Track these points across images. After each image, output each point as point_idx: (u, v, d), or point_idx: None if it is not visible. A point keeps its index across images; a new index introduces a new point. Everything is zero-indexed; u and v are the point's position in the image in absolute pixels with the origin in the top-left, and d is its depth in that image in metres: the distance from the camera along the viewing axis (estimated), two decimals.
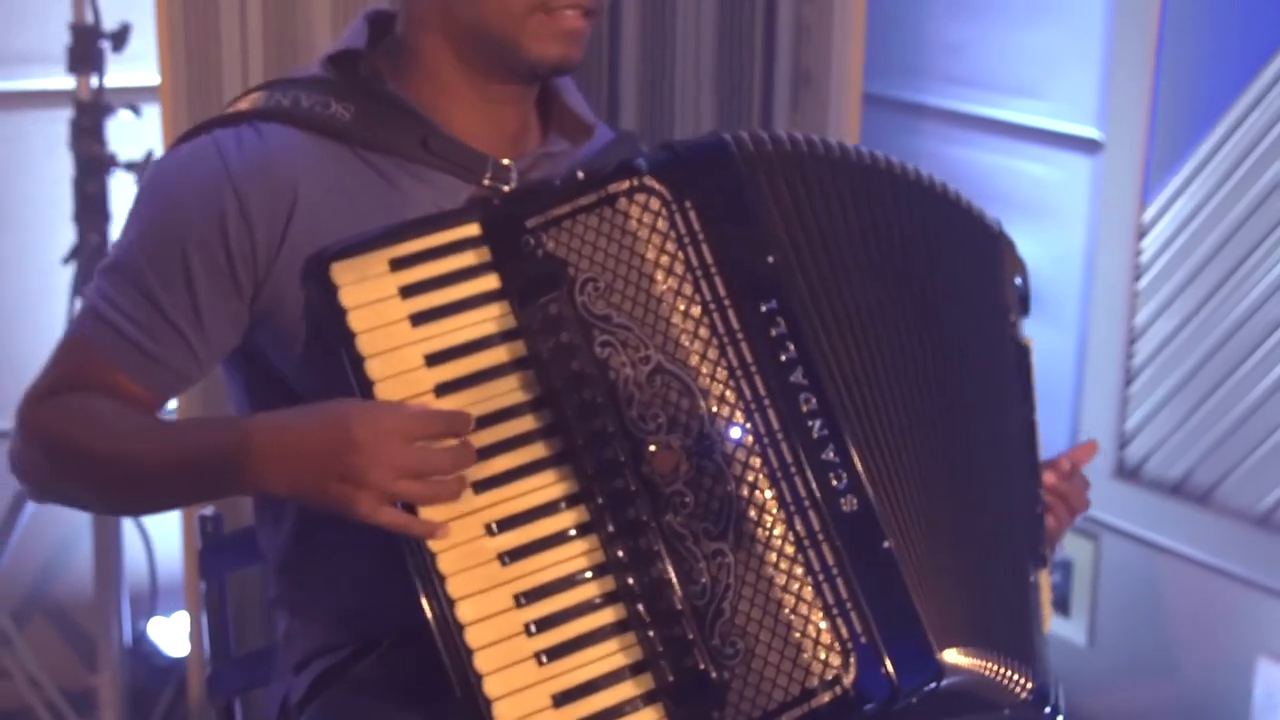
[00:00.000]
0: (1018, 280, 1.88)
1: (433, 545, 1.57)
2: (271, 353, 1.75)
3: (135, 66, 2.96)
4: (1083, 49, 2.96)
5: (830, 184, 1.73)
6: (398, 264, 1.61)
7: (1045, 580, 1.87)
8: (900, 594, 1.63)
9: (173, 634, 3.20)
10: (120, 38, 2.80)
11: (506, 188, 1.77)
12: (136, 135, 2.94)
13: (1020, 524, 1.80)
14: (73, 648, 3.31)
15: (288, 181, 1.69)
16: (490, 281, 1.63)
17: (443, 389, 1.60)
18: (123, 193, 2.94)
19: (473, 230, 1.64)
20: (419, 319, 1.61)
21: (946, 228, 1.83)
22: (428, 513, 1.57)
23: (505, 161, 1.78)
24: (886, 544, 1.63)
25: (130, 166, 2.87)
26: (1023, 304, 1.88)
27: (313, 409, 1.60)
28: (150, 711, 3.11)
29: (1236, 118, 2.72)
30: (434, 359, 1.60)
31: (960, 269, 1.82)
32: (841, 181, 1.74)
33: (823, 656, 1.59)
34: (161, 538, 3.19)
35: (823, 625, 1.60)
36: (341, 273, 1.59)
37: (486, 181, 1.77)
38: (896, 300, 1.74)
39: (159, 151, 2.78)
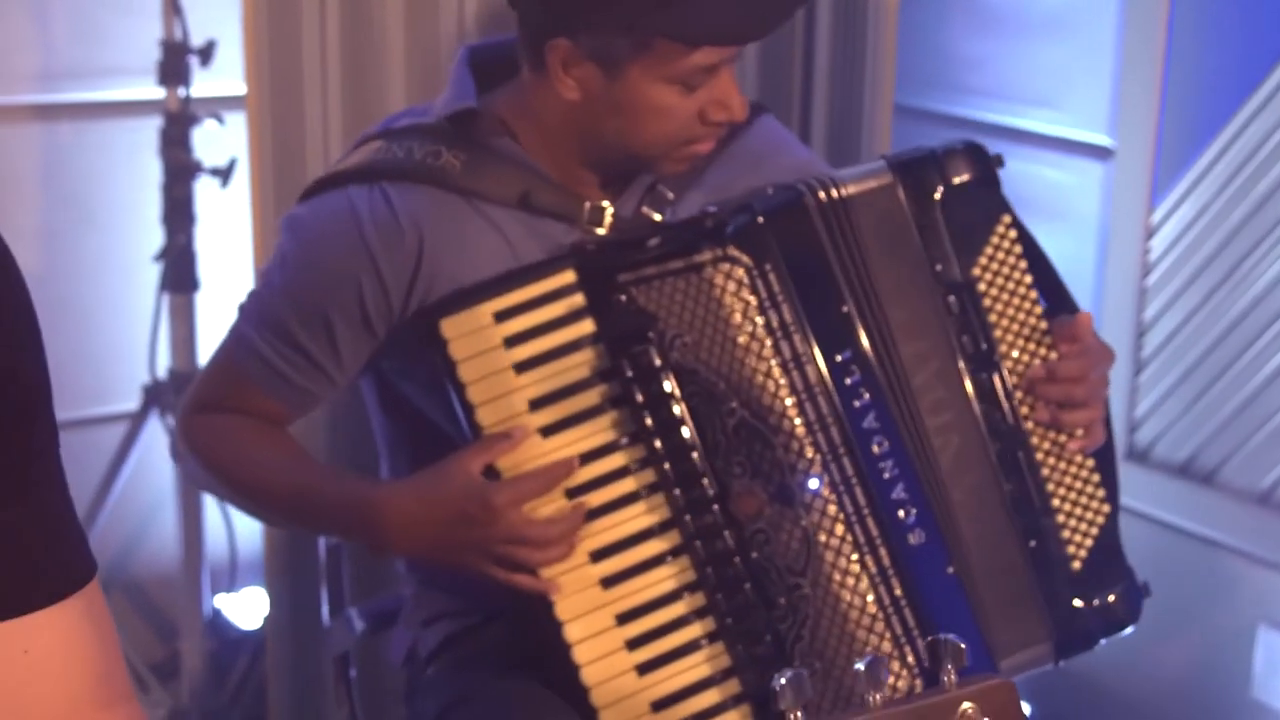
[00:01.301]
0: (965, 178, 1.90)
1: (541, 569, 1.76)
2: (398, 379, 1.93)
3: (217, 78, 3.12)
4: (1094, 62, 3.09)
5: (854, 215, 1.86)
6: (500, 316, 1.77)
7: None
8: (964, 615, 1.82)
9: (244, 608, 3.37)
10: (207, 53, 2.98)
11: (601, 229, 1.90)
12: (220, 142, 3.11)
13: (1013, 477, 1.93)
14: (148, 621, 3.47)
15: (414, 237, 1.85)
16: (585, 326, 1.78)
17: (546, 431, 1.77)
18: (207, 196, 3.11)
19: (568, 278, 1.79)
20: (521, 367, 1.77)
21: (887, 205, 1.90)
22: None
23: (604, 204, 1.91)
24: (950, 569, 1.82)
25: (215, 172, 3.04)
26: (967, 194, 1.89)
27: (438, 483, 1.77)
28: (226, 680, 3.27)
29: (1239, 125, 2.86)
30: (536, 404, 1.77)
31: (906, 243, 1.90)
32: (858, 210, 1.87)
33: (891, 681, 1.78)
34: (241, 515, 3.34)
35: (891, 654, 1.80)
36: (450, 328, 1.76)
37: (585, 213, 1.91)
38: (913, 305, 1.90)
39: (243, 158, 2.95)
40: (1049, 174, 3.20)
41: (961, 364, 1.88)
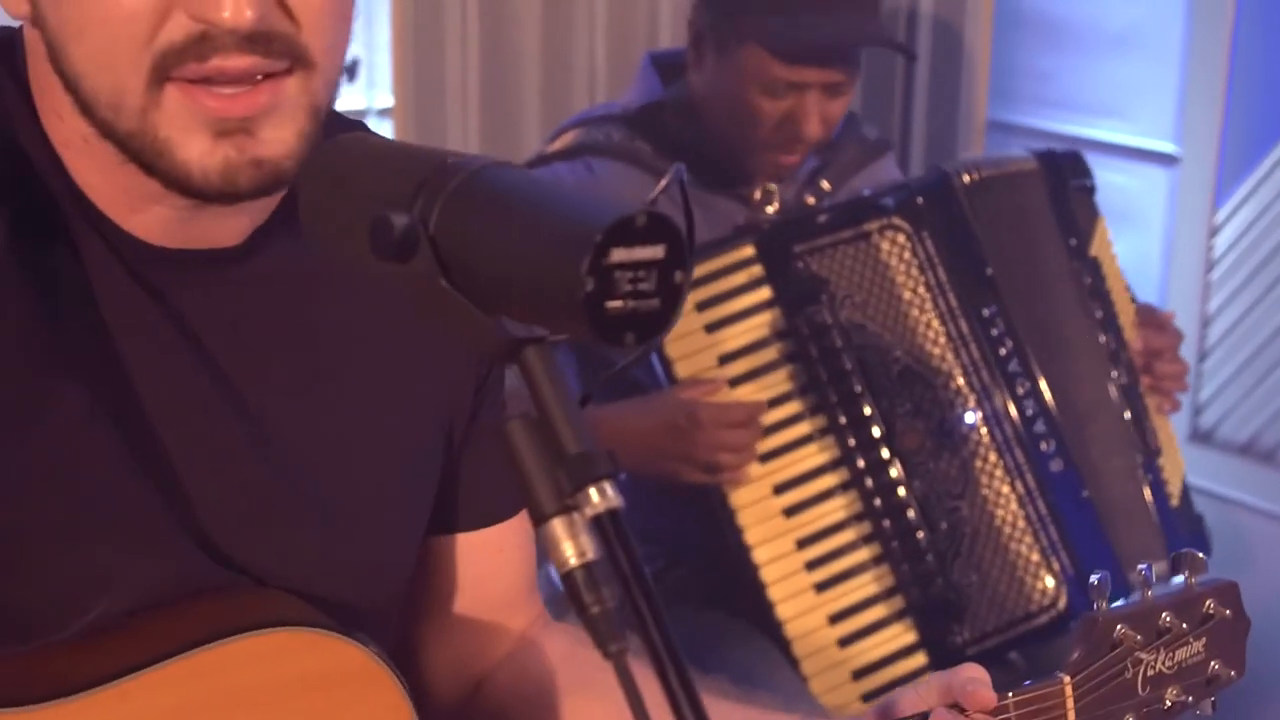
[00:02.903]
0: (1076, 183, 2.23)
1: (732, 502, 2.03)
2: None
3: (359, 90, 3.36)
4: (1161, 74, 3.35)
5: (997, 199, 2.17)
6: (692, 284, 2.05)
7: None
8: (1099, 533, 2.10)
9: None
10: (352, 70, 3.24)
11: (771, 209, 2.20)
12: None
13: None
14: None
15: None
16: (764, 293, 2.08)
17: (734, 381, 2.05)
18: None
19: (748, 252, 2.08)
20: (711, 328, 2.06)
21: (1028, 190, 2.22)
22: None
23: (772, 187, 2.20)
24: (1085, 494, 2.10)
25: None
26: (1087, 196, 2.23)
27: (649, 402, 2.04)
28: None
29: None
30: (725, 359, 2.06)
31: (1039, 224, 2.23)
32: (1000, 195, 2.18)
33: (1041, 587, 2.06)
34: None
35: (1040, 563, 2.07)
36: None
37: (757, 196, 2.21)
38: (1036, 272, 2.19)
39: None
40: (1117, 180, 3.39)
41: (1088, 324, 2.17)
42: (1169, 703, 1.42)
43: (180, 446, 1.13)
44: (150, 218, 1.11)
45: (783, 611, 2.03)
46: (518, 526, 1.38)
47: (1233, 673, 1.47)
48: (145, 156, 1.04)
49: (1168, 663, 1.43)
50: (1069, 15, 3.51)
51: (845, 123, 2.28)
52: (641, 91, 2.21)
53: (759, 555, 2.03)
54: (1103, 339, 2.21)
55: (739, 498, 2.02)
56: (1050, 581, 2.08)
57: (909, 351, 2.07)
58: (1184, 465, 2.35)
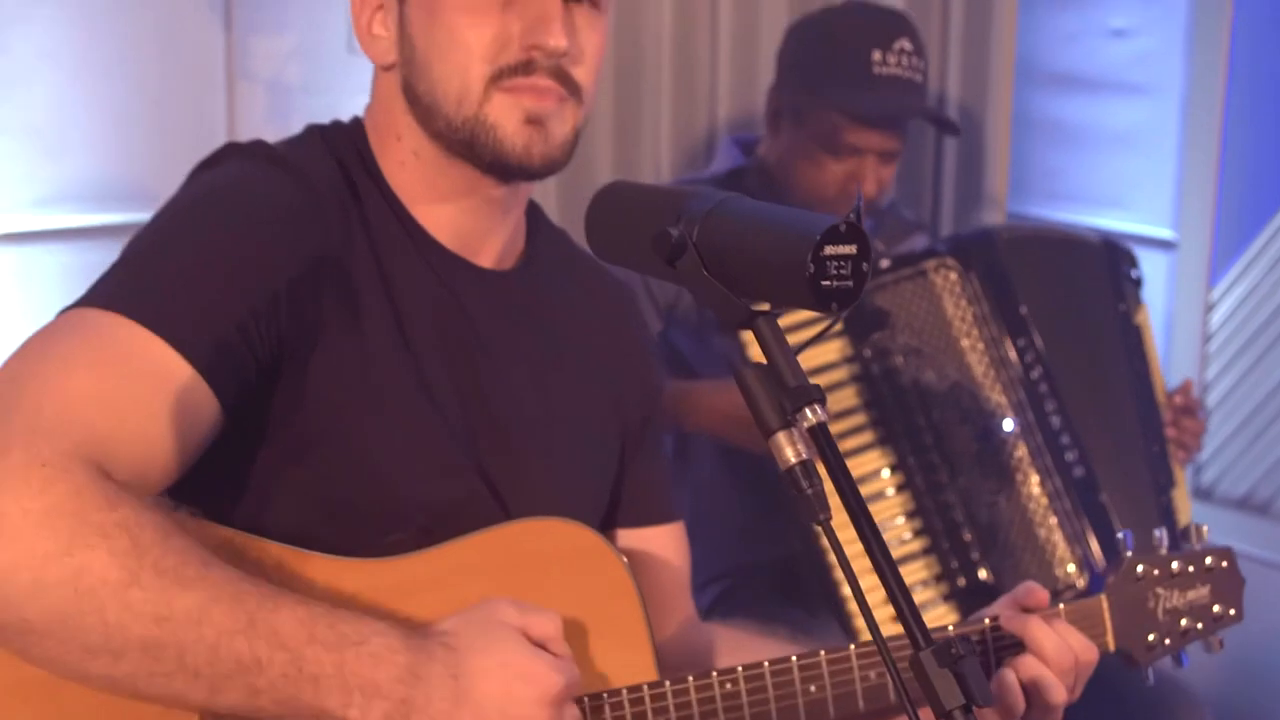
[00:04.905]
0: (1132, 272, 2.66)
1: None
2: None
3: None
4: (1159, 168, 3.71)
5: (1037, 254, 2.56)
6: (777, 314, 2.43)
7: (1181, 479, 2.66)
8: (1111, 531, 2.45)
9: None
10: None
11: None
12: None
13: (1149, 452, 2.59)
14: None
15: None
16: (836, 324, 2.44)
17: None
18: None
19: None
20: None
21: (1092, 259, 2.63)
22: None
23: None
24: (1102, 497, 2.45)
25: None
26: (1137, 284, 2.65)
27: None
28: None
29: None
30: None
31: (1100, 287, 2.63)
32: (1041, 252, 2.57)
33: (1067, 570, 2.41)
34: None
35: (1066, 551, 2.42)
36: None
37: None
38: (1081, 317, 2.57)
39: None
40: None
41: (1124, 370, 2.54)
42: (1183, 627, 1.79)
43: (456, 396, 1.52)
44: (446, 222, 1.56)
45: (845, 590, 2.38)
46: (671, 533, 1.76)
47: (1232, 611, 1.84)
48: (475, 137, 1.50)
49: (1180, 600, 1.81)
50: (1075, 117, 3.88)
51: (889, 201, 2.70)
52: (725, 161, 2.62)
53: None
54: (1134, 383, 2.58)
55: None
56: (1073, 567, 2.43)
57: (958, 369, 2.44)
58: (1190, 510, 2.71)
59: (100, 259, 3.45)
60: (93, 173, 3.50)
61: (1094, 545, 2.45)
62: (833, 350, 2.43)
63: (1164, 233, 3.75)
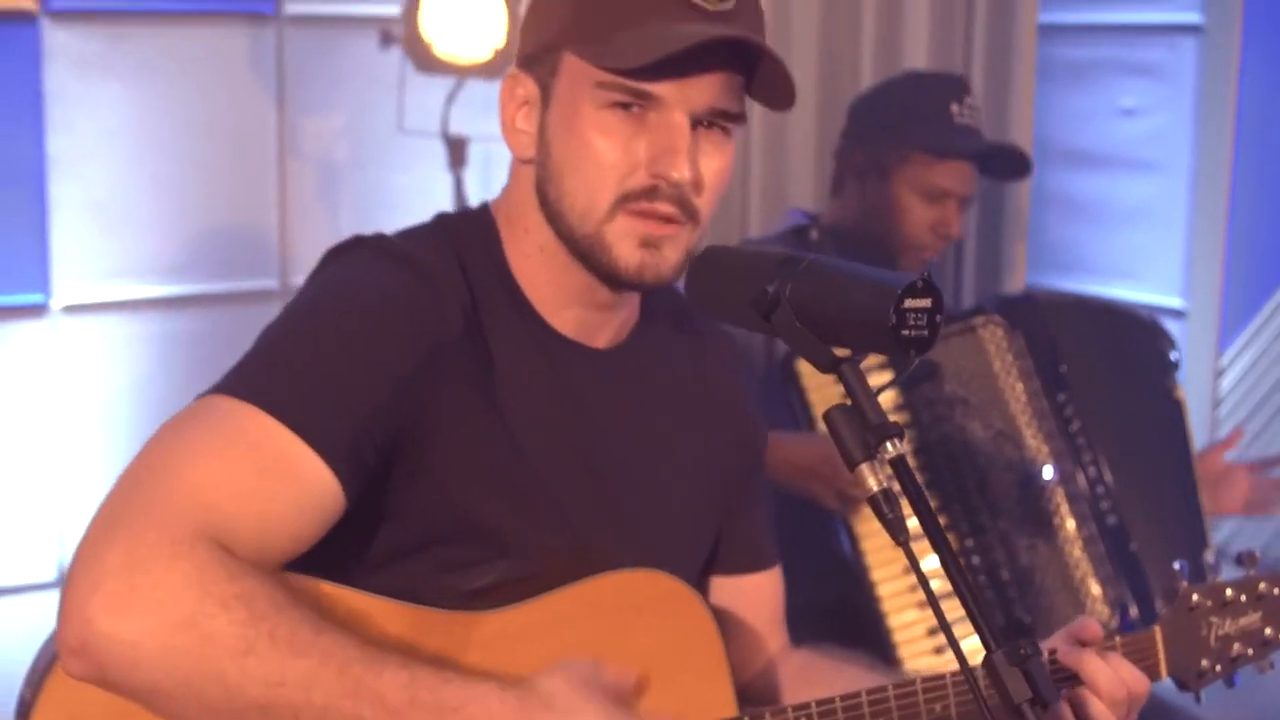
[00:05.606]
0: (1173, 354, 2.85)
1: (857, 530, 2.52)
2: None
3: None
4: (1169, 241, 3.89)
5: (1079, 318, 2.73)
6: None
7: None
8: (1142, 577, 2.60)
9: None
10: None
11: None
12: None
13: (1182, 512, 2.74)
14: None
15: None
16: (885, 375, 2.58)
17: None
18: None
19: None
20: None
21: (1132, 330, 2.82)
22: None
23: None
24: (1133, 546, 2.60)
25: None
26: (1175, 366, 2.84)
27: (813, 438, 2.51)
28: None
29: None
30: None
31: (1142, 357, 2.80)
32: (1083, 316, 2.75)
33: (1098, 611, 2.55)
34: None
35: (1099, 593, 2.57)
36: (803, 366, 2.57)
37: None
38: (1121, 380, 2.73)
39: None
40: None
41: (1161, 434, 2.71)
42: (1235, 654, 1.90)
43: (564, 467, 1.68)
44: (565, 312, 1.68)
45: (892, 621, 2.51)
46: (767, 578, 1.91)
47: None
48: (593, 251, 1.62)
49: (1232, 627, 1.91)
50: (1089, 192, 4.06)
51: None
52: (788, 220, 2.83)
53: (876, 575, 2.52)
54: (1172, 447, 2.75)
55: (862, 527, 2.52)
56: (1105, 609, 2.58)
57: (1001, 419, 2.60)
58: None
59: (159, 329, 3.64)
60: (151, 246, 3.66)
61: (1125, 589, 2.60)
62: (886, 399, 2.58)
63: (1174, 302, 3.90)
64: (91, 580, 1.37)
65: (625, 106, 1.58)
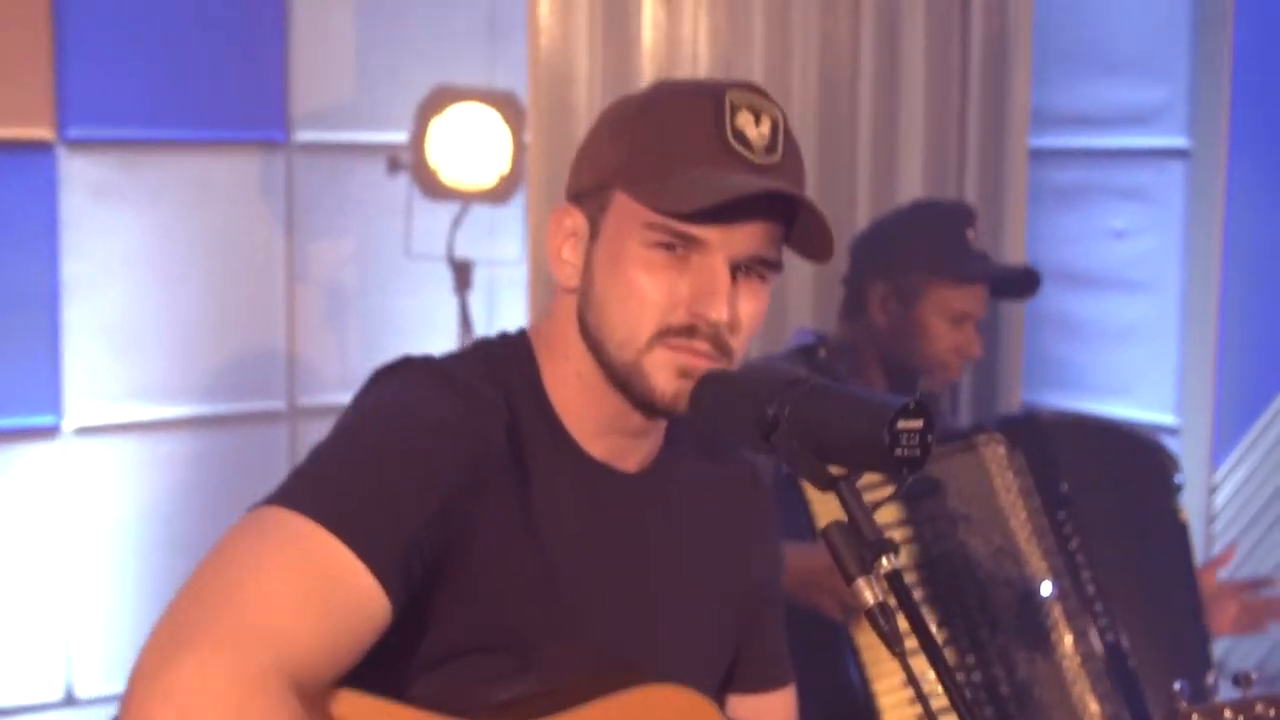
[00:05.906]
0: (1176, 476, 2.92)
1: (858, 641, 2.57)
2: None
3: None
4: (1160, 359, 3.97)
5: (1078, 437, 2.80)
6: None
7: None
8: (1140, 695, 2.64)
9: None
10: None
11: None
12: None
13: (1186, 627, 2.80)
14: None
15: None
16: (888, 489, 2.64)
17: None
18: None
19: None
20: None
21: (1135, 451, 2.89)
22: None
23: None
24: (1131, 663, 2.65)
25: None
26: (1178, 488, 2.92)
27: (818, 548, 2.47)
28: None
29: None
30: None
31: (1145, 478, 2.87)
32: (1083, 435, 2.81)
33: None
34: None
35: (1096, 710, 2.61)
36: (809, 486, 2.62)
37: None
38: (1122, 500, 2.79)
39: None
40: None
41: (1166, 552, 2.77)
42: None
43: (594, 584, 1.75)
44: (599, 438, 1.76)
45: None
46: (781, 697, 1.98)
47: None
48: (631, 379, 1.69)
49: None
50: (1081, 312, 4.14)
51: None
52: (796, 340, 2.91)
53: (877, 686, 2.56)
54: (1175, 568, 2.81)
55: (863, 638, 2.57)
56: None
57: (1002, 535, 2.65)
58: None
59: (170, 450, 3.71)
60: (162, 369, 3.74)
61: (1123, 706, 2.64)
62: (888, 514, 2.64)
63: (1167, 419, 3.98)
64: (161, 692, 1.42)
65: (670, 247, 1.65)
